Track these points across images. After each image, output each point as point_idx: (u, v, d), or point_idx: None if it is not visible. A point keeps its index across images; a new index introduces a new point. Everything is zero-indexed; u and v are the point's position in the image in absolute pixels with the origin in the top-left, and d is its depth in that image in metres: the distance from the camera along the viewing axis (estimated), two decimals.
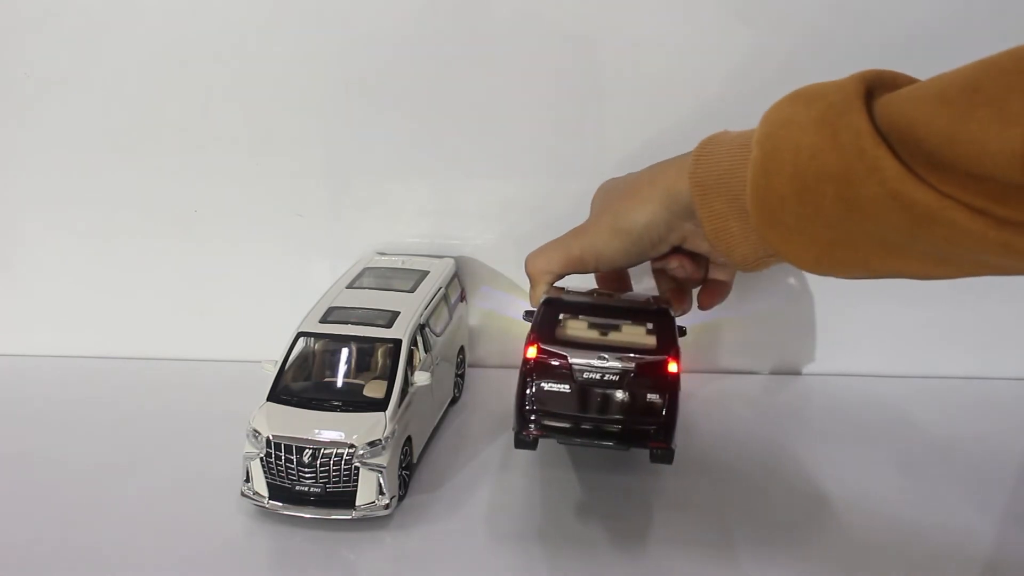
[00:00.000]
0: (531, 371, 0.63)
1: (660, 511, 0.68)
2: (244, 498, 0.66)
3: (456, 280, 0.84)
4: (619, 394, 0.62)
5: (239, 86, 0.81)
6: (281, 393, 0.68)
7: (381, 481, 0.65)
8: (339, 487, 0.65)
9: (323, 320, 0.72)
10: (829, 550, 0.65)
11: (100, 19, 0.79)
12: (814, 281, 0.85)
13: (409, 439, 0.69)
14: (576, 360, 0.63)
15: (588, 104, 0.80)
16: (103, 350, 0.90)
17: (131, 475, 0.73)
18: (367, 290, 0.77)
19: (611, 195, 0.67)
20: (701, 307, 0.70)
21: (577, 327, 0.65)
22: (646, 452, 0.63)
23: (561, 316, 0.66)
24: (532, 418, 0.63)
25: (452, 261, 0.84)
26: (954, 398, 0.84)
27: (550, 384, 0.63)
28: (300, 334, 0.71)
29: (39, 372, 0.89)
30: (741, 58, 0.77)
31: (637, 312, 0.66)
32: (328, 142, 0.83)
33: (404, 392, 0.68)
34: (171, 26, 0.79)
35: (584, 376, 0.63)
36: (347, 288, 0.77)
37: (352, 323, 0.71)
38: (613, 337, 0.65)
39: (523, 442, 0.63)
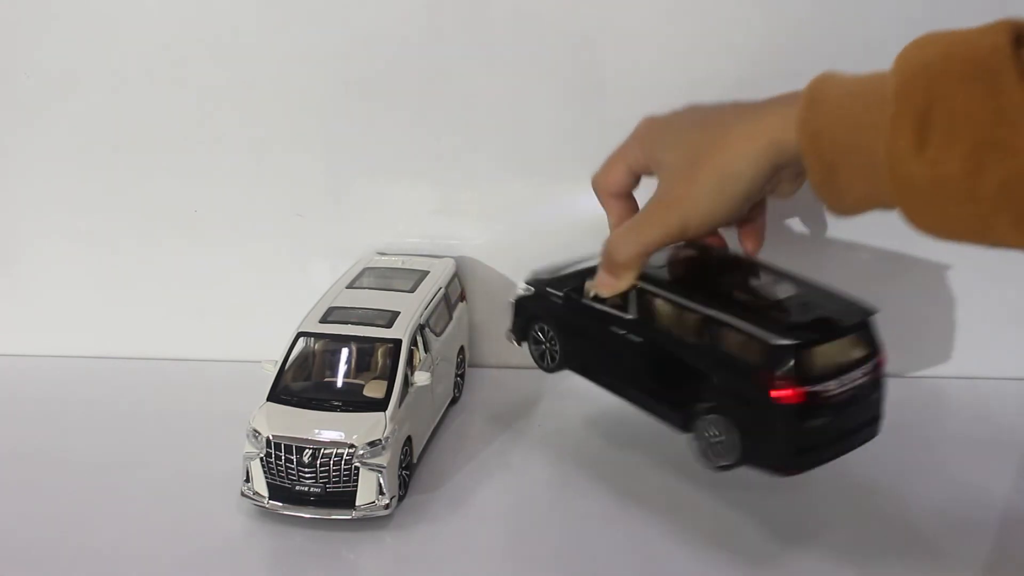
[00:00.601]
0: (796, 412, 0.60)
1: (661, 510, 0.68)
2: (244, 498, 0.66)
3: (456, 280, 0.83)
4: (858, 403, 0.63)
5: (239, 86, 0.81)
6: (281, 393, 0.68)
7: (381, 481, 0.65)
8: (339, 487, 0.65)
9: (323, 320, 0.72)
10: (824, 550, 0.65)
11: (101, 20, 0.79)
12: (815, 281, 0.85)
13: (409, 439, 0.69)
14: (832, 389, 0.61)
15: (588, 104, 0.80)
16: (103, 350, 0.90)
17: (131, 475, 0.73)
18: (367, 290, 0.77)
19: (692, 148, 0.59)
20: (750, 252, 0.67)
21: (822, 354, 0.62)
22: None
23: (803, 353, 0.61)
24: (802, 455, 0.62)
25: (452, 261, 0.84)
26: (954, 398, 0.84)
27: (815, 419, 0.61)
28: (300, 334, 0.71)
29: (39, 372, 0.89)
30: (740, 58, 0.77)
31: (851, 326, 0.65)
32: (328, 142, 0.83)
33: (404, 392, 0.68)
34: (171, 26, 0.79)
35: (838, 400, 0.61)
36: (347, 288, 0.77)
37: (352, 323, 0.71)
38: (845, 355, 0.63)
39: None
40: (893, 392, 0.84)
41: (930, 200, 0.49)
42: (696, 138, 0.59)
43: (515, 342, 0.76)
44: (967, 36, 0.48)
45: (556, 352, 0.73)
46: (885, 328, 0.85)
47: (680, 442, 0.76)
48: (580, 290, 0.70)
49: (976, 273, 0.82)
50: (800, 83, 0.55)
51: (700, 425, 0.64)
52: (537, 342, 0.74)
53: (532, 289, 0.74)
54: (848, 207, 0.55)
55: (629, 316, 0.67)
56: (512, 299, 0.75)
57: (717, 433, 0.64)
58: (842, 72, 0.54)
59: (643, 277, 0.64)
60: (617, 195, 0.66)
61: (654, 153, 0.62)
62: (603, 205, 0.67)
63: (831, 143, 0.52)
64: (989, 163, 0.47)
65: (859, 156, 0.52)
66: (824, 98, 0.53)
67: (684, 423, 0.65)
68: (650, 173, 0.63)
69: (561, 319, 0.72)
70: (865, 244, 0.82)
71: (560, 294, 0.71)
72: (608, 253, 0.63)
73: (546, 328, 0.73)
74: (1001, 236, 0.48)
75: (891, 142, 0.49)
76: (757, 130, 0.56)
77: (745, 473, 0.73)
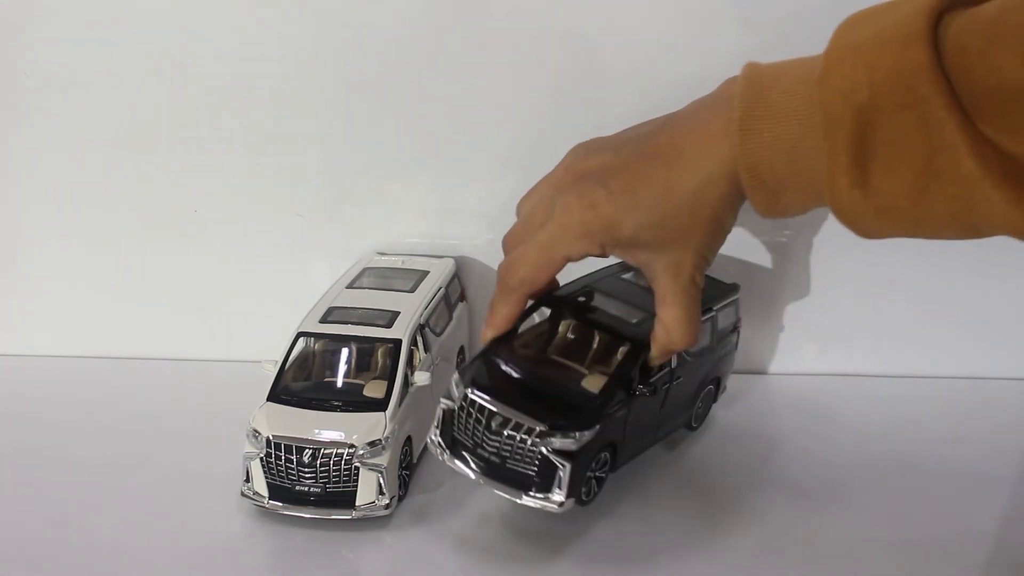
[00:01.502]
0: None
1: (661, 510, 0.68)
2: (244, 498, 0.66)
3: (456, 280, 0.83)
4: None
5: (239, 86, 0.81)
6: (281, 393, 0.68)
7: (381, 481, 0.65)
8: (339, 487, 0.65)
9: (323, 320, 0.72)
10: (824, 550, 0.65)
11: (100, 19, 0.79)
12: (814, 280, 0.85)
13: (409, 439, 0.69)
14: None
15: (588, 103, 0.80)
16: (103, 350, 0.90)
17: (131, 475, 0.73)
18: (367, 290, 0.77)
19: (674, 219, 0.56)
20: None
21: None
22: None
23: None
24: None
25: (452, 261, 0.84)
26: (954, 398, 0.84)
27: None
28: (300, 334, 0.71)
29: (39, 372, 0.89)
30: (740, 57, 0.77)
31: None
32: (327, 142, 0.83)
33: (404, 392, 0.68)
34: (171, 26, 0.79)
35: None
36: (347, 288, 0.77)
37: (352, 323, 0.71)
38: None
39: None
40: (894, 392, 0.84)
41: (876, 224, 0.50)
42: (671, 210, 0.56)
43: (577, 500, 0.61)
44: (887, 46, 0.47)
45: (606, 471, 0.64)
46: (886, 327, 0.86)
47: (680, 438, 0.77)
48: (649, 371, 0.65)
49: (976, 273, 0.82)
50: None
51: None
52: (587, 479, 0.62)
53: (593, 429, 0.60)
54: (791, 215, 0.55)
55: (674, 363, 0.68)
56: (577, 445, 0.60)
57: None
58: (764, 75, 0.53)
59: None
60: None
61: (623, 240, 0.58)
62: (510, 302, 0.62)
63: (771, 174, 0.52)
64: (932, 190, 0.46)
65: (800, 179, 0.52)
66: (757, 127, 0.52)
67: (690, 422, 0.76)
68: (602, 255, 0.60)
69: (628, 417, 0.65)
70: (863, 245, 0.82)
71: (643, 388, 0.65)
72: (674, 343, 0.60)
73: (610, 448, 0.64)
74: (945, 238, 0.49)
75: (830, 180, 0.49)
76: (730, 186, 0.54)
77: (746, 479, 0.73)
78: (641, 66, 0.79)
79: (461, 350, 0.83)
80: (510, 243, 0.64)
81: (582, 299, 0.68)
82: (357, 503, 0.65)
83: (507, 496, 0.60)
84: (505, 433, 0.60)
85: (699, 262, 0.58)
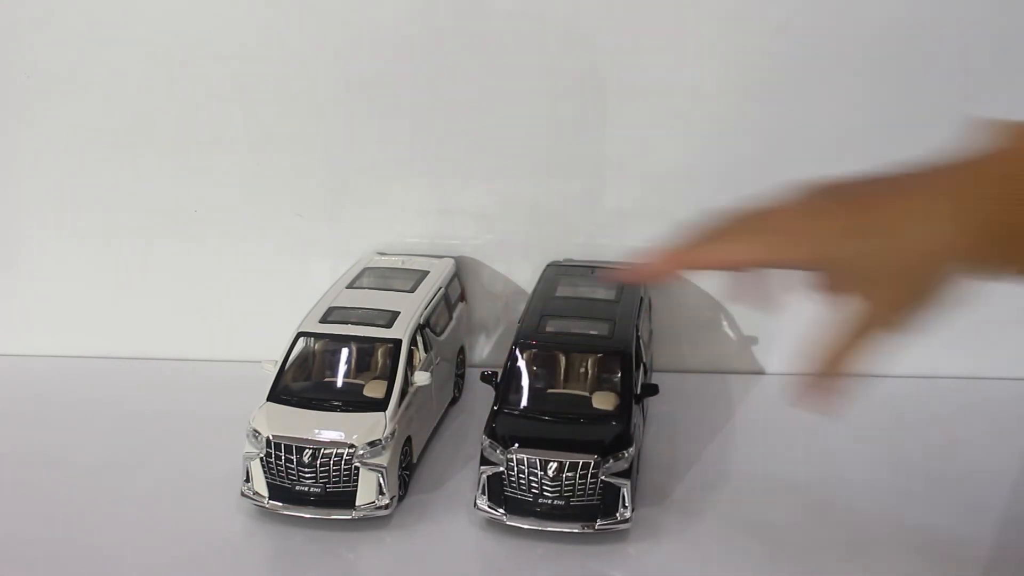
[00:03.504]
0: None
1: (660, 510, 0.68)
2: (244, 498, 0.66)
3: (456, 280, 0.83)
4: None
5: (239, 86, 0.81)
6: (281, 393, 0.68)
7: (381, 481, 0.65)
8: (339, 487, 0.65)
9: (323, 320, 0.72)
10: (825, 551, 0.65)
11: (100, 19, 0.79)
12: None
13: (409, 439, 0.69)
14: None
15: (588, 104, 0.80)
16: (103, 350, 0.90)
17: (131, 475, 0.73)
18: (367, 290, 0.77)
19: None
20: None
21: None
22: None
23: None
24: None
25: (452, 261, 0.84)
26: (954, 398, 0.84)
27: None
28: (300, 334, 0.71)
29: (39, 372, 0.89)
30: (739, 58, 0.77)
31: None
32: (328, 142, 0.83)
33: (404, 392, 0.68)
34: (171, 26, 0.79)
35: None
36: (347, 288, 0.77)
37: (352, 323, 0.71)
38: None
39: None
40: (894, 392, 0.84)
41: None
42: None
43: None
44: None
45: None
46: None
47: (679, 438, 0.77)
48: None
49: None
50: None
51: None
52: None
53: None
54: None
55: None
56: (628, 463, 0.64)
57: None
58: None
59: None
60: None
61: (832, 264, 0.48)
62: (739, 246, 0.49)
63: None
64: None
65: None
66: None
67: None
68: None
69: (641, 421, 0.73)
70: None
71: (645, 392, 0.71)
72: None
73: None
74: None
75: None
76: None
77: (743, 474, 0.73)
78: (641, 67, 0.79)
79: (461, 350, 0.83)
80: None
81: (550, 329, 0.70)
82: (357, 503, 0.65)
83: (578, 530, 0.63)
84: (564, 476, 0.62)
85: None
